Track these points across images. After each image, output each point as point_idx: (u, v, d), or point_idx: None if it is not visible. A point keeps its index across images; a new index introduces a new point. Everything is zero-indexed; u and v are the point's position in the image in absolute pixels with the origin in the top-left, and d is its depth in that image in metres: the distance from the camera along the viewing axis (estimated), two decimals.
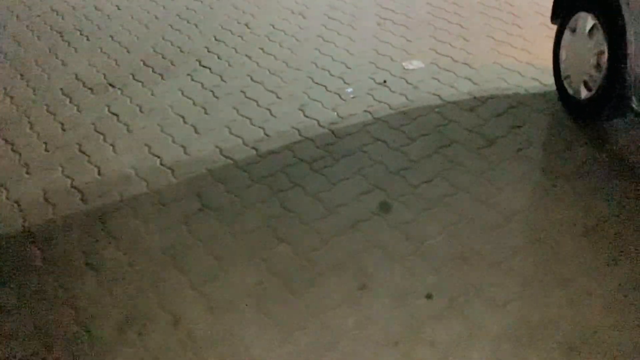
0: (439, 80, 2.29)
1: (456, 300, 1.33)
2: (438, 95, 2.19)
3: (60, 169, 1.94)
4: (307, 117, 2.12)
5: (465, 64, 2.40)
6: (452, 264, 1.44)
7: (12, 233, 1.67)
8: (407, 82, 2.29)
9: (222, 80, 2.42)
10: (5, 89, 2.49)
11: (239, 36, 2.81)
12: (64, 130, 2.16)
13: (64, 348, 1.29)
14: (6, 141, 2.12)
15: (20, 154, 2.04)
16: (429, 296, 1.35)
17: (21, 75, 2.61)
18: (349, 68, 2.43)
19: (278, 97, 2.26)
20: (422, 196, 1.69)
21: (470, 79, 2.28)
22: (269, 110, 2.18)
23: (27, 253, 1.59)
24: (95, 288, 1.44)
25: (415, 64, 2.42)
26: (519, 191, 1.68)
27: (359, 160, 1.87)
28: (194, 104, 2.26)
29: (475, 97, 2.16)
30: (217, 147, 1.99)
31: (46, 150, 2.05)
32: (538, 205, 1.63)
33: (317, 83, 2.34)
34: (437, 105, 2.13)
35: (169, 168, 1.90)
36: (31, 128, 2.19)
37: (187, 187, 1.80)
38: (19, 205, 1.78)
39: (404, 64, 2.43)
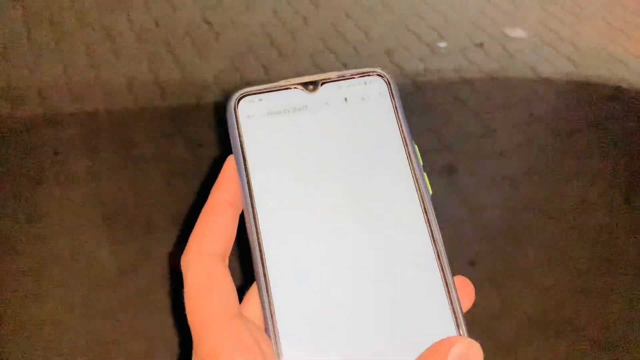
0: (538, 54, 2.17)
1: (498, 275, 1.31)
2: (534, 70, 2.08)
3: (146, 62, 2.01)
4: (392, 62, 2.08)
5: (571, 43, 2.25)
6: (503, 239, 1.41)
7: (92, 111, 1.77)
8: (504, 48, 2.18)
9: (316, 9, 2.39)
10: None
11: None
12: (157, 26, 2.22)
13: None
14: (103, 27, 2.21)
15: (113, 41, 2.12)
16: (472, 263, 1.33)
17: None
18: (448, 22, 2.34)
19: (367, 37, 2.22)
20: (492, 168, 1.64)
21: (572, 60, 2.14)
22: (355, 48, 2.15)
23: (103, 132, 1.69)
24: (159, 177, 1.52)
25: (517, 32, 2.30)
26: (592, 186, 1.60)
27: (435, 117, 1.83)
28: (283, 26, 2.26)
29: (572, 80, 2.04)
30: (296, 73, 1.99)
31: (138, 41, 2.12)
32: (603, 204, 1.55)
33: (410, 30, 2.27)
34: (531, 80, 2.03)
35: (248, 85, 1.92)
36: (128, 19, 2.26)
37: None
38: (103, 88, 1.87)
39: (506, 30, 2.31)
